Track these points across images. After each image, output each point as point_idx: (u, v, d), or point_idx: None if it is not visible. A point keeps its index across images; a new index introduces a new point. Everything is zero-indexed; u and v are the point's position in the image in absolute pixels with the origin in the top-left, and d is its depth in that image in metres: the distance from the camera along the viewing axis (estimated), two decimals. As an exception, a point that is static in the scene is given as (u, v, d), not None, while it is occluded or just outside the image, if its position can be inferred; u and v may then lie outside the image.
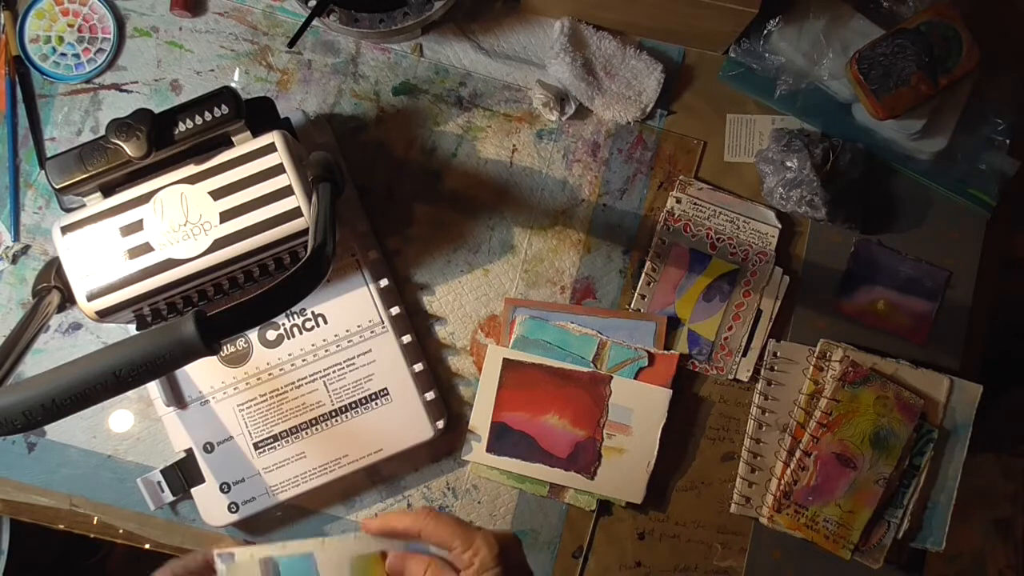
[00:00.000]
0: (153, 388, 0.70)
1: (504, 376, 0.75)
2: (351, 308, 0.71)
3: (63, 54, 0.76)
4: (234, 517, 0.70)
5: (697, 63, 0.81)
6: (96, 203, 0.58)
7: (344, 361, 0.71)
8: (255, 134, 0.59)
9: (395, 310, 0.73)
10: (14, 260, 0.75)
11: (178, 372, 0.71)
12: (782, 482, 0.75)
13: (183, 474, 0.71)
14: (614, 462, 0.75)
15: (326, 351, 0.71)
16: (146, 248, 0.57)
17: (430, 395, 0.73)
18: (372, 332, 0.71)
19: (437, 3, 0.72)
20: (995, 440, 1.36)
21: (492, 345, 0.76)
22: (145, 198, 0.57)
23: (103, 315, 0.57)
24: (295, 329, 0.71)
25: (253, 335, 0.71)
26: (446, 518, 0.48)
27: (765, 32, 0.77)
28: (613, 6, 0.76)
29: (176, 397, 0.70)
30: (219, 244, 0.57)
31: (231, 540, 0.74)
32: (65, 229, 0.57)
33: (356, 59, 0.78)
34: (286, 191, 0.57)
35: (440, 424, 0.73)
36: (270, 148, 0.58)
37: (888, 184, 0.81)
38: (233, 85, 0.77)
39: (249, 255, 0.58)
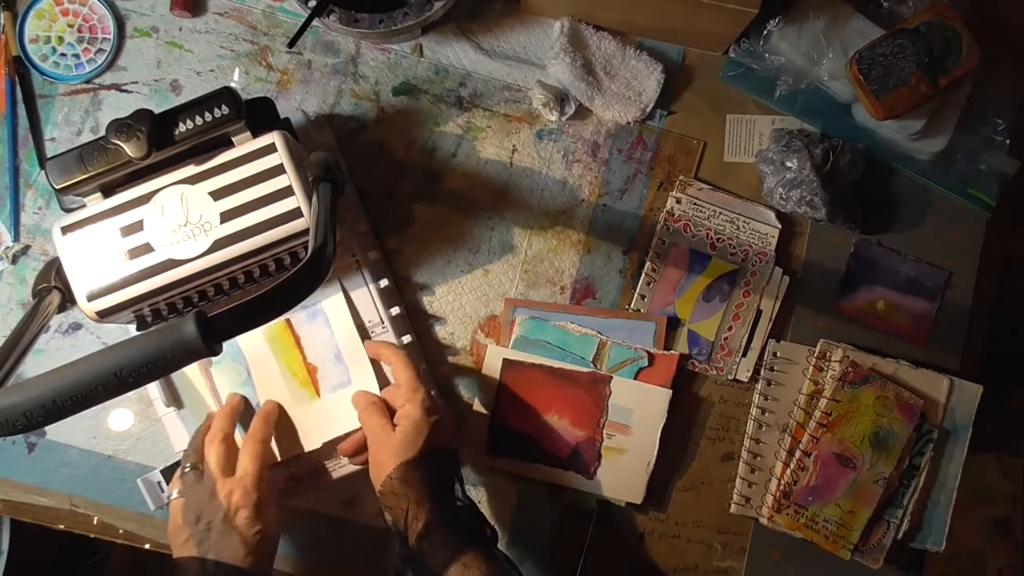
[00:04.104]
0: (153, 388, 0.70)
1: (504, 376, 0.75)
2: (351, 308, 0.71)
3: (63, 54, 0.76)
4: (234, 517, 0.70)
5: (697, 63, 0.81)
6: (96, 203, 0.58)
7: (344, 361, 0.71)
8: (255, 134, 0.59)
9: (395, 310, 0.73)
10: (14, 260, 0.75)
11: (177, 372, 0.71)
12: (782, 482, 0.75)
13: (183, 474, 0.71)
14: (614, 462, 0.75)
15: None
16: (146, 248, 0.57)
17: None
18: (372, 332, 0.71)
19: (437, 3, 0.72)
20: (995, 440, 1.36)
21: (492, 345, 0.76)
22: (145, 198, 0.57)
23: (103, 315, 0.57)
24: (295, 329, 0.71)
25: (253, 335, 0.71)
26: (411, 370, 0.66)
27: (765, 32, 0.77)
28: (613, 6, 0.76)
29: (176, 397, 0.70)
30: (219, 244, 0.57)
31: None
32: (65, 229, 0.57)
33: (356, 59, 0.78)
34: (286, 191, 0.57)
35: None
36: (270, 148, 0.58)
37: (888, 184, 0.81)
38: (233, 85, 0.77)
39: (249, 255, 0.58)
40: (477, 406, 0.75)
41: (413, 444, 0.62)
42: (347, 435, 0.70)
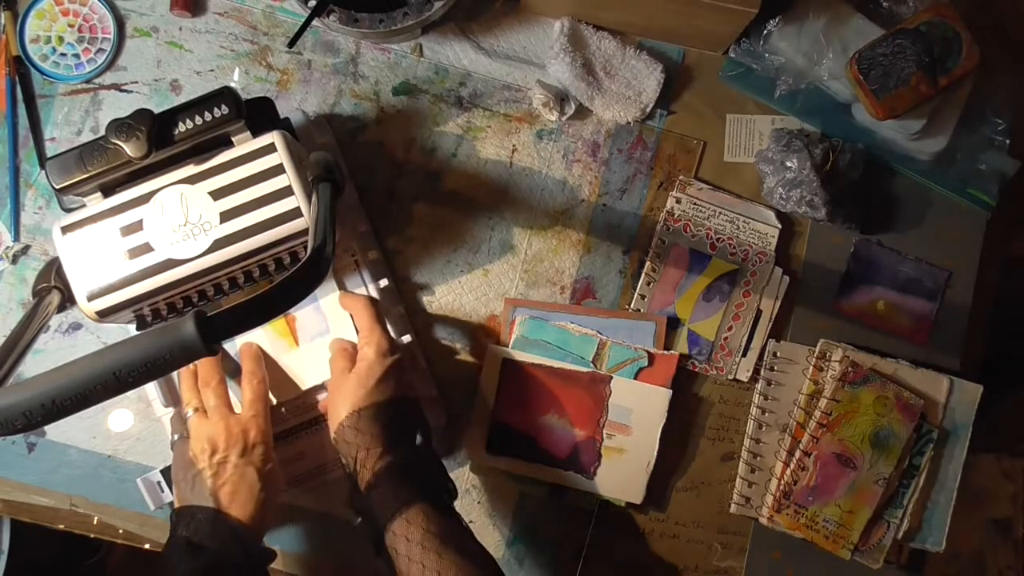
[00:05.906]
0: (152, 388, 0.70)
1: (504, 376, 0.75)
2: (351, 308, 0.71)
3: (63, 54, 0.76)
4: (234, 517, 0.70)
5: (697, 63, 0.81)
6: (96, 203, 0.58)
7: (344, 361, 0.71)
8: (255, 134, 0.59)
9: (395, 310, 0.73)
10: (14, 260, 0.75)
11: (177, 372, 0.71)
12: (782, 482, 0.75)
13: (183, 474, 0.71)
14: (614, 462, 0.75)
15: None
16: (146, 248, 0.57)
17: (430, 395, 0.72)
18: (372, 332, 0.71)
19: (437, 3, 0.72)
20: (995, 440, 1.36)
21: (492, 345, 0.76)
22: (145, 198, 0.57)
23: (103, 315, 0.57)
24: (295, 329, 0.71)
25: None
26: (370, 312, 0.65)
27: (765, 32, 0.77)
28: (613, 6, 0.76)
29: (175, 397, 0.70)
30: (219, 244, 0.57)
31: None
32: (65, 229, 0.57)
33: (356, 59, 0.78)
34: (286, 191, 0.57)
35: (440, 424, 0.73)
36: (270, 148, 0.58)
37: (888, 184, 0.81)
38: (233, 85, 0.77)
39: (249, 255, 0.58)
40: (477, 406, 0.75)
41: (364, 387, 0.62)
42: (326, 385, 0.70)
